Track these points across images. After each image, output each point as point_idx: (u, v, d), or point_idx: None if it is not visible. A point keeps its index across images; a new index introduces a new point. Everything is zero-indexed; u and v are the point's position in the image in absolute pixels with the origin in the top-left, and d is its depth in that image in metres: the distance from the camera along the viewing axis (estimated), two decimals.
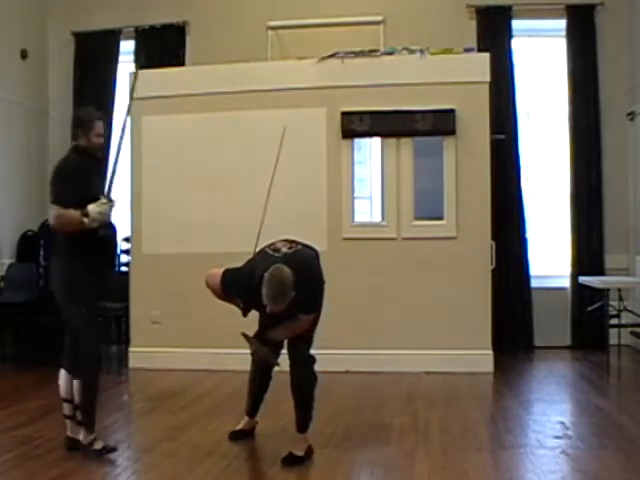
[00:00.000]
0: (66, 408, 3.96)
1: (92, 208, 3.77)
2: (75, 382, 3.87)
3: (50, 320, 6.59)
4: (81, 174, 3.85)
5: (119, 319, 7.04)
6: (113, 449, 3.89)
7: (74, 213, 3.75)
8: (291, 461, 3.77)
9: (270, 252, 3.90)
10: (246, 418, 4.27)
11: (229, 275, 3.91)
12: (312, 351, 3.93)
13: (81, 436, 3.90)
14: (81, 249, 3.81)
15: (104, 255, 4.12)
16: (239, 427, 4.25)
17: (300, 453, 3.82)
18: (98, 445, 3.86)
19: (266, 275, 3.62)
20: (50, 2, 7.96)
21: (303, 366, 3.86)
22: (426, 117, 6.14)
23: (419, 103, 6.14)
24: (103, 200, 3.84)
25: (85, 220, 3.75)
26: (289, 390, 3.88)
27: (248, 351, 4.08)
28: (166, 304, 6.37)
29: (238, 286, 3.85)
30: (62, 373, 3.99)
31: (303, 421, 3.88)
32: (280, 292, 3.60)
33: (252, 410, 4.25)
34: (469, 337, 6.03)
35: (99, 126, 3.93)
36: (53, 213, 3.81)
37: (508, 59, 7.23)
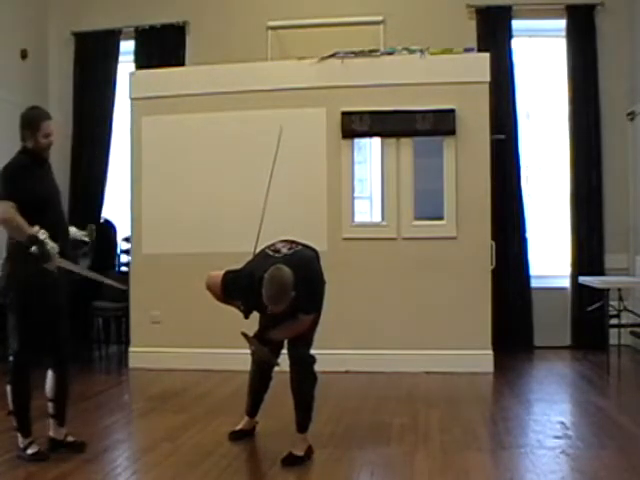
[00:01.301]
0: (49, 407, 3.93)
1: (44, 236, 3.63)
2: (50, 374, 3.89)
3: None
4: (26, 174, 3.84)
5: (119, 319, 7.04)
6: (82, 449, 3.91)
7: (20, 221, 3.64)
8: (291, 461, 3.77)
9: (270, 253, 3.90)
10: (246, 418, 4.27)
11: (229, 277, 3.91)
12: (312, 351, 3.94)
13: (52, 432, 3.91)
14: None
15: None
16: (239, 427, 4.25)
17: (300, 453, 3.82)
18: (70, 439, 3.91)
19: (266, 276, 3.62)
20: (50, 2, 7.95)
21: (303, 366, 3.86)
22: (426, 117, 6.14)
23: (419, 103, 6.14)
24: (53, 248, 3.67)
25: (32, 248, 3.59)
26: (289, 390, 3.88)
27: (248, 351, 4.08)
28: (166, 304, 6.37)
29: (239, 287, 3.86)
30: (48, 373, 3.94)
31: (303, 421, 3.88)
32: (280, 293, 3.60)
33: (252, 410, 4.26)
34: (469, 337, 6.03)
35: (47, 126, 3.92)
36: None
37: (508, 59, 7.23)
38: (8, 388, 3.78)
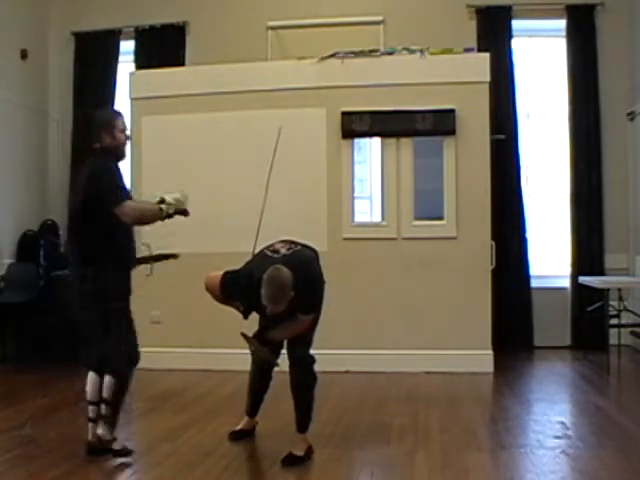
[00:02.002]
0: (91, 411, 3.88)
1: (167, 195, 3.81)
2: (107, 378, 3.84)
3: (50, 320, 6.63)
4: (119, 173, 3.89)
5: None
6: (129, 452, 3.89)
7: (150, 203, 3.80)
8: (291, 461, 3.77)
9: (269, 253, 3.90)
10: (246, 418, 4.27)
11: (229, 277, 3.91)
12: (312, 351, 3.94)
13: (100, 430, 3.84)
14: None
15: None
16: (239, 427, 4.25)
17: (300, 453, 3.81)
18: (117, 445, 3.87)
19: (265, 276, 3.62)
20: (50, 2, 7.95)
21: (303, 366, 3.86)
22: (426, 117, 6.14)
23: (419, 103, 6.14)
24: (176, 190, 3.88)
25: (162, 206, 3.78)
26: (289, 390, 3.88)
27: (248, 351, 4.08)
28: (166, 304, 6.37)
29: (238, 288, 3.86)
30: (90, 376, 3.91)
31: (303, 421, 3.88)
32: (279, 293, 3.60)
33: (252, 410, 4.25)
34: (469, 337, 6.03)
35: (121, 122, 3.98)
36: (128, 207, 3.71)
37: (508, 59, 7.23)
38: (114, 380, 3.80)
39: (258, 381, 4.20)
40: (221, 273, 3.94)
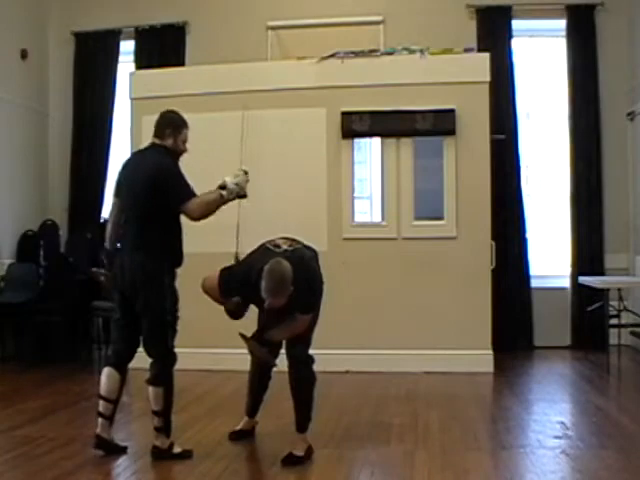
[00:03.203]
0: (103, 407, 3.87)
1: (229, 180, 3.81)
2: (152, 389, 3.80)
3: (50, 320, 6.63)
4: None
5: None
6: (189, 455, 3.87)
7: (211, 193, 3.78)
8: (291, 461, 3.77)
9: (270, 247, 3.89)
10: (246, 418, 4.26)
11: (226, 273, 3.92)
12: (312, 351, 3.93)
13: (158, 442, 3.83)
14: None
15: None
16: (239, 427, 4.25)
17: (300, 453, 3.81)
18: (177, 449, 3.86)
19: (266, 268, 3.61)
20: (50, 2, 7.96)
21: (302, 366, 3.85)
22: (426, 117, 6.14)
23: (419, 103, 6.14)
24: (238, 172, 3.87)
25: (224, 193, 3.77)
26: (289, 390, 3.88)
27: (247, 351, 4.08)
28: None
29: (236, 281, 3.85)
30: (108, 371, 3.90)
31: (303, 421, 3.88)
32: (279, 285, 3.59)
33: (252, 410, 4.25)
34: (469, 337, 6.03)
35: (186, 134, 4.02)
36: (194, 204, 3.74)
37: (508, 59, 7.23)
38: (159, 390, 3.77)
39: (257, 381, 4.20)
40: (217, 272, 3.93)
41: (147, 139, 6.98)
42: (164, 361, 3.84)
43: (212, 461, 3.82)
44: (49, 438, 4.18)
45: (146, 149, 4.00)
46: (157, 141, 3.95)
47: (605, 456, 3.82)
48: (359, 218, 6.50)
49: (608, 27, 7.19)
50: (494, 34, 7.24)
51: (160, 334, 3.82)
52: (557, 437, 4.20)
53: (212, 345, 6.19)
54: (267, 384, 4.20)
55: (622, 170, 7.22)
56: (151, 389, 3.81)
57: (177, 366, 6.09)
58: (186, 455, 3.86)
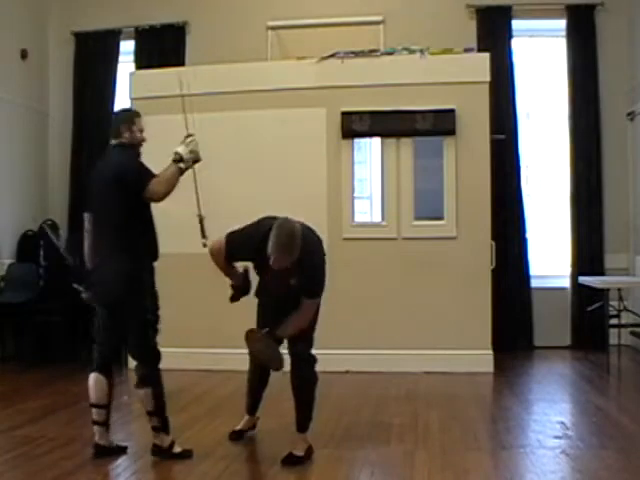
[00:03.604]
0: (96, 414, 3.85)
1: (182, 149, 3.86)
2: (141, 391, 3.81)
3: (50, 320, 6.63)
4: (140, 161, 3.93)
5: None
6: (189, 454, 3.87)
7: (168, 169, 3.81)
8: (291, 461, 3.77)
9: (278, 216, 3.82)
10: (246, 417, 4.26)
11: (233, 235, 3.89)
12: (312, 351, 3.93)
13: (158, 441, 3.83)
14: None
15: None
16: (239, 427, 4.25)
17: (300, 453, 3.81)
18: (177, 449, 3.86)
19: (276, 223, 3.61)
20: (50, 2, 7.95)
21: (304, 365, 3.84)
22: (426, 117, 6.14)
23: (419, 103, 6.14)
24: (187, 139, 3.94)
25: (181, 165, 3.82)
26: (289, 390, 3.88)
27: (247, 351, 4.06)
28: (166, 304, 6.35)
29: (242, 241, 3.82)
30: (95, 377, 3.88)
31: (303, 421, 3.87)
32: (288, 240, 3.56)
33: (252, 408, 4.25)
34: (469, 337, 6.03)
35: (140, 122, 4.00)
36: (154, 185, 3.75)
37: (508, 59, 7.22)
38: (148, 391, 3.78)
39: (257, 379, 4.19)
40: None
41: (147, 139, 6.99)
42: (148, 361, 3.85)
43: (212, 461, 3.82)
44: (49, 438, 4.18)
45: (106, 155, 4.01)
46: (114, 142, 3.96)
47: (605, 456, 3.82)
48: (359, 218, 6.50)
49: (608, 27, 7.19)
50: (494, 34, 7.24)
51: (143, 334, 3.85)
52: (557, 437, 4.20)
53: (212, 345, 6.19)
54: (266, 380, 4.17)
55: (622, 170, 7.22)
56: (140, 391, 3.81)
57: (177, 366, 6.14)
58: (186, 455, 3.86)
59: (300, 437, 3.87)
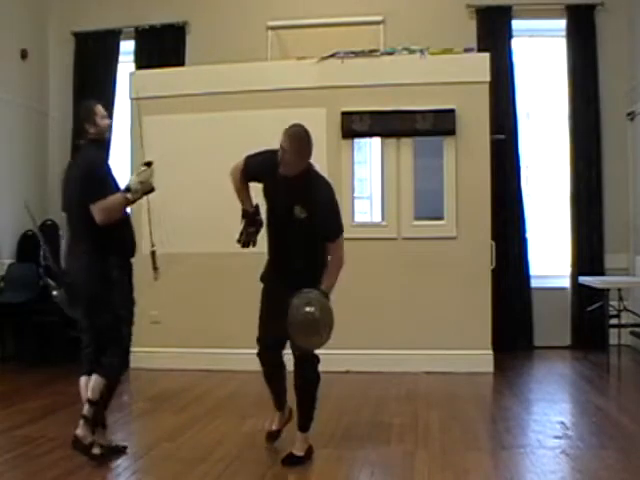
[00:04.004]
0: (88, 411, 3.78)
1: (131, 180, 3.84)
2: (95, 377, 3.75)
3: (50, 320, 6.62)
4: (106, 165, 3.94)
5: None
6: (105, 458, 3.78)
7: (114, 197, 3.78)
8: (291, 461, 3.77)
9: None
10: (277, 413, 4.13)
11: (252, 155, 3.99)
12: (315, 351, 3.95)
13: (80, 431, 3.72)
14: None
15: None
16: (274, 427, 4.12)
17: (300, 453, 3.81)
18: (95, 450, 3.76)
19: (288, 127, 3.71)
20: (50, 2, 7.95)
21: (308, 365, 3.83)
22: (426, 117, 6.14)
23: (419, 103, 6.14)
24: (141, 168, 3.90)
25: (128, 196, 3.80)
26: (290, 390, 3.88)
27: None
28: (166, 304, 6.37)
29: (259, 159, 3.92)
30: (85, 379, 3.81)
31: (305, 421, 3.86)
32: (300, 141, 3.68)
33: (280, 403, 4.12)
34: (469, 337, 6.03)
35: (100, 108, 3.96)
36: (97, 209, 3.72)
37: (508, 59, 7.22)
38: (101, 380, 3.72)
39: (274, 377, 4.06)
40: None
41: (147, 139, 7.00)
42: (115, 357, 3.81)
43: (212, 461, 3.82)
44: (49, 438, 4.18)
45: (75, 155, 4.03)
46: (82, 141, 3.97)
47: (605, 456, 3.82)
48: (359, 218, 6.50)
49: (608, 27, 7.19)
50: (494, 34, 7.23)
51: (113, 330, 3.81)
52: (557, 437, 4.20)
53: (212, 345, 6.18)
54: (283, 373, 4.05)
55: (622, 170, 7.22)
56: (94, 377, 3.74)
57: (177, 366, 6.16)
58: (103, 458, 3.75)
59: (301, 437, 3.86)
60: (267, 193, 3.92)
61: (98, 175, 3.83)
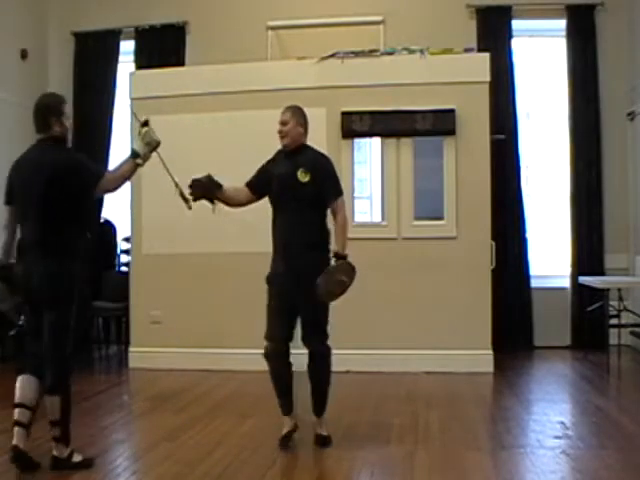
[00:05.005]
0: (23, 415, 3.60)
1: (137, 145, 3.81)
2: (50, 398, 3.58)
3: None
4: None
5: (119, 319, 7.04)
6: (90, 464, 3.69)
7: (123, 164, 3.78)
8: (324, 441, 4.05)
9: None
10: (286, 419, 4.11)
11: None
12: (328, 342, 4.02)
13: (57, 452, 3.62)
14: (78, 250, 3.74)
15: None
16: (285, 431, 4.08)
17: (326, 433, 4.10)
18: (77, 458, 3.68)
19: (285, 107, 4.15)
20: (50, 2, 7.96)
21: (321, 360, 4.10)
22: (426, 117, 6.14)
23: (419, 103, 6.14)
24: (142, 130, 3.84)
25: (138, 161, 3.78)
26: (294, 387, 3.91)
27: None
28: (166, 304, 6.37)
29: (256, 172, 4.27)
30: (28, 378, 3.66)
31: (321, 406, 4.12)
32: (299, 113, 4.09)
33: (287, 407, 4.11)
34: (469, 337, 6.03)
35: (67, 109, 3.85)
36: (109, 180, 3.70)
37: (508, 59, 7.23)
38: (56, 399, 3.56)
39: (276, 378, 4.07)
40: None
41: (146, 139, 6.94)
42: (61, 369, 3.63)
43: (212, 461, 3.82)
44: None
45: (35, 148, 3.84)
46: (44, 136, 3.76)
47: (605, 456, 3.82)
48: (359, 218, 6.50)
49: (608, 27, 7.19)
50: (494, 34, 7.24)
51: (63, 339, 3.63)
52: (557, 437, 4.20)
53: (212, 345, 6.18)
54: (290, 372, 4.09)
55: (622, 170, 7.22)
56: (48, 398, 3.59)
57: (177, 366, 6.16)
58: (86, 464, 3.67)
59: (320, 420, 4.13)
60: (272, 180, 4.11)
61: (84, 161, 3.77)
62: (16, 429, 3.58)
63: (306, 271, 3.89)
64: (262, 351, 4.04)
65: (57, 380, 3.60)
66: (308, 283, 3.84)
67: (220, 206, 4.10)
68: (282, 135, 4.10)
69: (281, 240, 4.03)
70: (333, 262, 3.96)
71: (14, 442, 3.56)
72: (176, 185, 3.96)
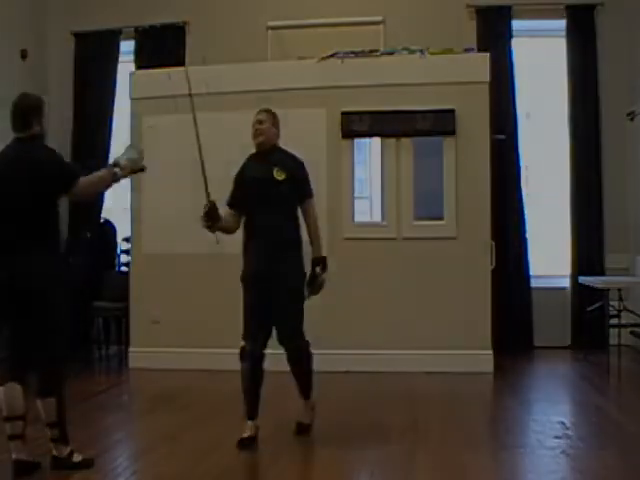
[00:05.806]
0: (17, 427, 3.51)
1: (119, 156, 3.75)
2: (44, 401, 3.52)
3: None
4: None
5: (119, 319, 7.04)
6: (90, 464, 3.67)
7: (100, 172, 3.70)
8: (301, 429, 4.15)
9: None
10: (249, 422, 4.08)
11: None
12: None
13: (56, 452, 3.59)
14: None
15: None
16: (247, 434, 4.03)
17: (308, 421, 4.18)
18: (77, 458, 3.64)
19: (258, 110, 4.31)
20: (50, 2, 7.95)
21: (299, 354, 4.06)
22: (426, 117, 6.14)
23: (419, 103, 6.14)
24: (129, 148, 3.84)
25: (116, 170, 3.69)
26: (287, 390, 3.90)
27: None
28: (166, 304, 6.37)
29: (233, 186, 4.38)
30: (11, 386, 3.54)
31: (307, 390, 4.17)
32: (272, 114, 4.27)
33: (253, 411, 4.10)
34: (469, 337, 6.02)
35: (46, 111, 3.79)
36: (84, 185, 3.60)
37: (508, 59, 7.23)
38: (52, 401, 3.51)
39: (250, 379, 4.09)
40: None
41: (147, 139, 7.00)
42: (54, 369, 3.58)
43: (212, 461, 3.82)
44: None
45: (14, 146, 3.70)
46: (22, 135, 3.66)
47: (605, 456, 3.82)
48: (359, 218, 6.50)
49: (608, 27, 7.19)
50: (494, 34, 7.23)
51: (51, 340, 3.55)
52: (557, 437, 4.20)
53: (212, 345, 6.18)
54: (261, 378, 4.09)
55: (622, 170, 7.22)
56: (42, 402, 3.52)
57: (177, 366, 6.16)
58: (86, 464, 3.64)
59: (306, 404, 4.19)
60: (245, 181, 4.29)
61: (62, 162, 3.70)
62: (12, 443, 3.51)
63: (286, 271, 3.99)
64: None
65: (49, 382, 3.55)
66: (290, 282, 3.98)
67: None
68: (258, 133, 4.23)
69: (261, 239, 4.07)
70: (316, 268, 4.08)
71: (14, 457, 3.50)
72: (208, 204, 4.16)
